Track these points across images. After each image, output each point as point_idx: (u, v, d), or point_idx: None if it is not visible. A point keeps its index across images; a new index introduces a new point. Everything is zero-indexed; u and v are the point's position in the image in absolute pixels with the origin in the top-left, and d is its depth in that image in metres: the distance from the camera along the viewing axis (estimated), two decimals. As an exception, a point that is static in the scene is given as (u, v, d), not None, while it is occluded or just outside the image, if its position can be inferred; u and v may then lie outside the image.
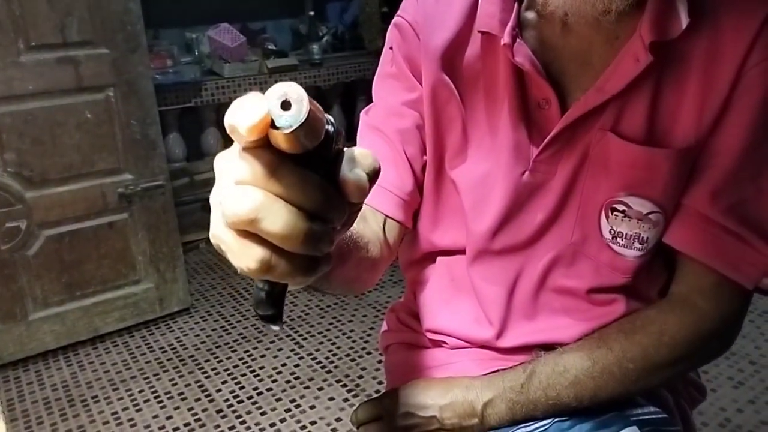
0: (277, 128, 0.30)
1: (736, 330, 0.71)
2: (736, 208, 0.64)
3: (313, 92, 3.52)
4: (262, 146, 0.31)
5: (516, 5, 0.67)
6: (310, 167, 0.32)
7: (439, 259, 0.79)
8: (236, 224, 0.32)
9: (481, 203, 0.72)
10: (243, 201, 0.31)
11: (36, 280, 1.98)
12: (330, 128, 0.32)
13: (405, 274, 0.86)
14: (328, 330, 2.19)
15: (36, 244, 1.96)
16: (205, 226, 2.54)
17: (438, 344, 0.81)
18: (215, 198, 0.35)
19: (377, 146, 0.73)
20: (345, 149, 0.35)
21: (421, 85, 0.72)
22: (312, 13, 3.37)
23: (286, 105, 0.29)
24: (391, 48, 0.74)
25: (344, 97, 3.70)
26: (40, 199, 1.94)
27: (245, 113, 0.30)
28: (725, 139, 0.63)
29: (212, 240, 0.35)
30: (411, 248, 0.81)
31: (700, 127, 0.63)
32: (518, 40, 0.65)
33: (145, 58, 2.01)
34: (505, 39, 0.64)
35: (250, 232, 0.32)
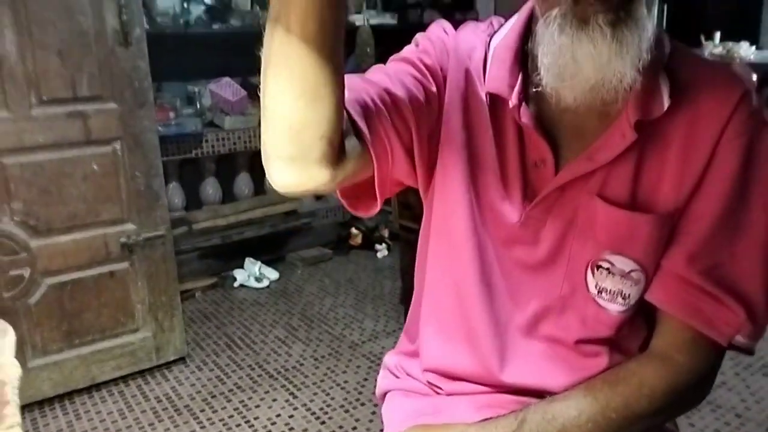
0: None
1: (710, 383, 0.77)
2: (712, 271, 0.70)
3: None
4: None
5: (521, 72, 0.74)
6: None
7: (443, 294, 0.84)
8: None
9: (475, 246, 0.78)
10: None
11: (36, 328, 2.01)
12: None
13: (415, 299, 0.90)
14: (322, 381, 2.21)
15: (38, 293, 2.00)
16: (203, 273, 2.60)
17: (435, 387, 0.85)
18: None
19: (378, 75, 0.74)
20: None
21: (438, 88, 0.76)
22: (311, 69, 3.49)
23: None
24: (418, 46, 0.79)
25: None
26: (44, 248, 1.98)
27: None
28: (701, 207, 0.70)
29: None
30: (420, 273, 0.87)
31: (679, 196, 0.70)
32: (523, 104, 0.72)
33: (152, 112, 2.09)
34: (513, 102, 0.72)
35: None
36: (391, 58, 0.79)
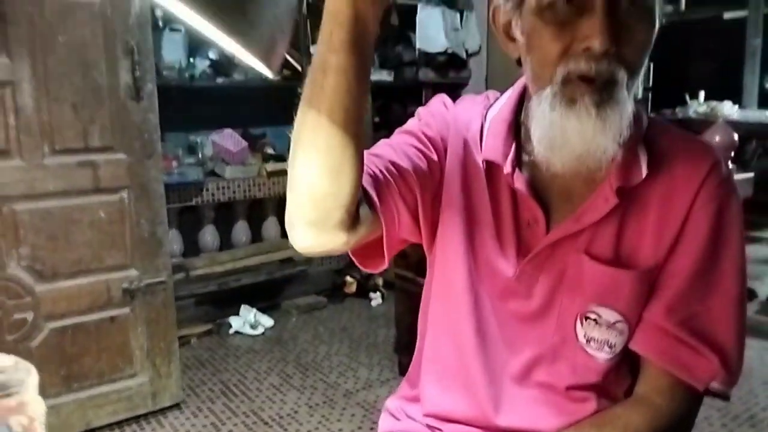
0: None
1: (690, 425, 0.83)
2: (688, 322, 0.78)
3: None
4: None
5: (514, 142, 0.82)
6: None
7: (442, 345, 0.91)
8: None
9: (472, 300, 0.85)
10: None
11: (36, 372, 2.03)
12: None
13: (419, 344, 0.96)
14: (316, 429, 2.23)
15: (40, 336, 2.03)
16: (199, 320, 2.65)
17: (435, 430, 0.91)
18: None
19: (385, 150, 0.82)
20: None
21: (439, 156, 0.85)
22: (310, 122, 3.60)
23: None
24: (420, 119, 0.88)
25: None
26: (48, 293, 2.03)
27: None
28: (678, 264, 0.78)
29: None
30: (422, 324, 0.94)
31: (658, 254, 0.78)
32: (517, 170, 0.81)
33: (159, 162, 2.18)
34: (507, 169, 0.80)
35: None
36: (397, 130, 0.88)
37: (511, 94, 0.87)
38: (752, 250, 4.14)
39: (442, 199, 0.86)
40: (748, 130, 5.26)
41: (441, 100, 0.91)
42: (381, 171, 0.78)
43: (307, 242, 0.71)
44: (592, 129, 0.70)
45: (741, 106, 6.29)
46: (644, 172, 0.77)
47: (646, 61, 0.74)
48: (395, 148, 0.82)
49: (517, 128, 0.84)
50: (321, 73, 0.63)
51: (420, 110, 0.90)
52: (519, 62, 0.80)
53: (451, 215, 0.85)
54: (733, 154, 3.38)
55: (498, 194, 0.84)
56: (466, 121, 0.88)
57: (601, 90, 0.70)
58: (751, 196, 3.57)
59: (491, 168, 0.84)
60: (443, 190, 0.86)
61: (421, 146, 0.84)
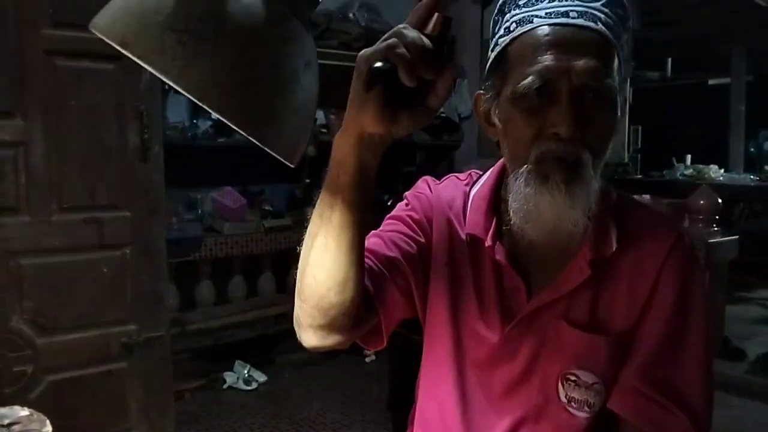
0: None
1: None
2: (659, 383, 0.84)
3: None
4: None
5: (496, 217, 0.91)
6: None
7: (429, 411, 0.97)
8: (394, 33, 0.63)
9: (455, 371, 0.92)
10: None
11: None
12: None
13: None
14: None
15: (38, 389, 2.06)
16: (193, 375, 2.67)
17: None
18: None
19: (376, 243, 0.92)
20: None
21: (426, 237, 0.95)
22: (308, 180, 3.71)
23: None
24: (407, 204, 0.98)
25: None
26: (49, 346, 2.06)
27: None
28: (648, 330, 0.85)
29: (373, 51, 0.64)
30: (418, 389, 1.00)
31: (630, 320, 0.86)
32: (498, 243, 0.89)
33: (161, 220, 2.25)
34: (488, 242, 0.88)
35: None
36: (387, 216, 0.98)
37: (490, 174, 0.96)
38: (740, 310, 4.20)
39: (429, 274, 0.94)
40: (734, 193, 5.41)
41: (425, 182, 1.01)
42: (376, 265, 0.87)
43: (314, 342, 0.81)
44: (562, 203, 0.79)
45: (727, 170, 6.48)
46: (614, 244, 0.85)
47: (610, 144, 0.83)
48: (386, 240, 0.92)
49: (497, 203, 0.92)
50: (329, 209, 0.73)
51: (407, 194, 1.00)
52: (498, 144, 0.89)
53: (435, 289, 0.94)
54: (717, 217, 3.47)
55: (481, 265, 0.92)
56: (448, 199, 0.97)
57: (570, 169, 0.79)
58: (737, 257, 3.65)
59: (474, 241, 0.92)
60: (430, 265, 0.94)
61: (408, 231, 0.94)
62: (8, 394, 2.01)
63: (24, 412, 0.92)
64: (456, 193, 0.98)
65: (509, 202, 0.85)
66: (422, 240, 0.94)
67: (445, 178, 1.03)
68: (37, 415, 0.94)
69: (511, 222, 0.85)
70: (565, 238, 0.82)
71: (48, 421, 0.93)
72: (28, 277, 2.02)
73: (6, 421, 0.91)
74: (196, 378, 3.13)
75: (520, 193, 0.82)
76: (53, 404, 2.09)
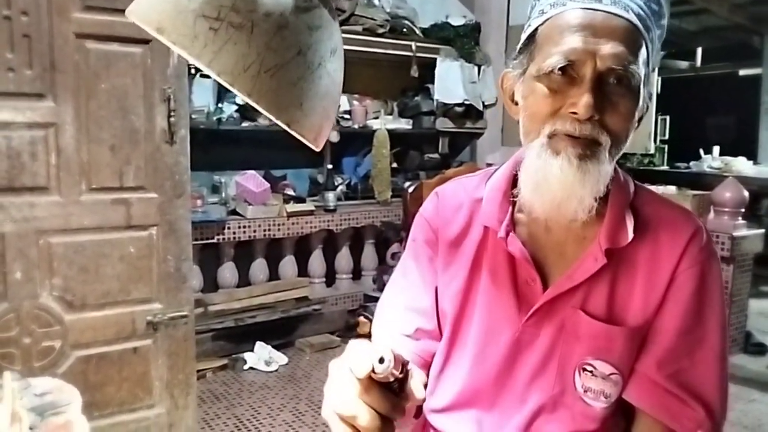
0: (374, 373, 0.56)
1: None
2: (676, 375, 0.85)
3: (325, 234, 3.80)
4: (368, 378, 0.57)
5: (511, 207, 0.92)
6: (391, 385, 0.58)
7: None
8: (342, 416, 0.59)
9: (481, 359, 0.93)
10: (350, 407, 0.58)
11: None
12: (405, 363, 0.58)
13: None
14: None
15: (66, 364, 2.12)
16: (215, 354, 2.73)
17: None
18: (331, 406, 0.61)
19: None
20: (410, 369, 0.60)
21: (435, 249, 0.98)
22: (330, 166, 3.74)
23: (381, 360, 0.55)
24: (414, 240, 1.01)
25: (353, 240, 3.98)
26: (77, 322, 2.12)
27: (358, 366, 0.56)
28: (665, 322, 0.86)
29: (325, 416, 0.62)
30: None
31: (647, 312, 0.86)
32: (511, 233, 0.90)
33: (187, 202, 2.29)
34: (501, 233, 0.89)
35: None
36: (405, 247, 1.04)
37: (506, 166, 0.97)
38: (764, 305, 4.15)
39: (438, 272, 0.98)
40: (762, 186, 5.30)
41: (434, 193, 1.04)
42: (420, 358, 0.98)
43: None
44: (572, 178, 0.79)
45: (756, 162, 6.34)
46: (630, 235, 0.85)
47: (631, 131, 0.83)
48: (411, 282, 1.00)
49: (512, 194, 0.93)
50: None
51: (413, 228, 1.03)
52: (519, 123, 0.90)
53: (455, 281, 0.96)
54: (743, 210, 3.43)
55: (496, 257, 0.93)
56: (455, 206, 0.99)
57: (584, 146, 0.80)
58: (762, 251, 3.60)
59: (489, 233, 0.94)
60: (439, 266, 0.98)
61: (422, 255, 0.99)
62: (37, 368, 2.07)
63: (54, 383, 0.96)
64: (464, 199, 1.00)
65: (519, 178, 0.87)
66: (434, 254, 0.99)
67: (453, 180, 1.06)
68: (67, 386, 0.97)
69: (522, 200, 0.87)
70: (568, 215, 0.83)
71: (77, 392, 0.97)
72: (58, 255, 2.08)
73: (39, 391, 0.94)
74: (218, 358, 3.19)
75: (530, 165, 0.83)
76: (80, 379, 2.15)
